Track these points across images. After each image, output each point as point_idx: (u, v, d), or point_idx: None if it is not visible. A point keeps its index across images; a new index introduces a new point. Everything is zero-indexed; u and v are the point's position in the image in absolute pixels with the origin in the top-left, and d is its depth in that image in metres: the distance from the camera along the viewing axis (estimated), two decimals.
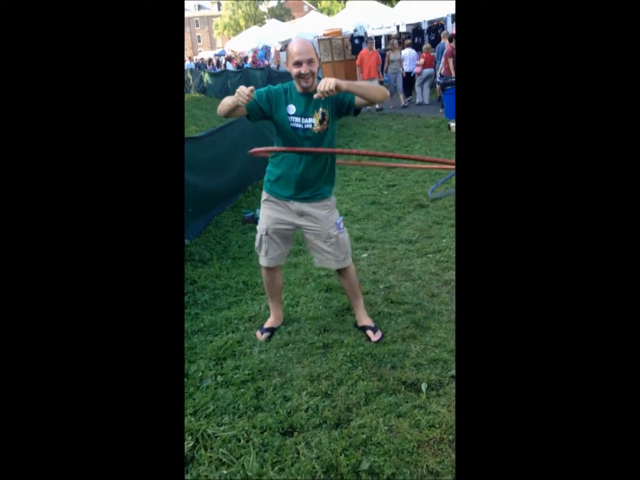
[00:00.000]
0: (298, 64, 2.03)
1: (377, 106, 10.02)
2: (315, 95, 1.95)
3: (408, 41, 11.67)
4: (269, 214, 2.35)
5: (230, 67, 17.91)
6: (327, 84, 1.85)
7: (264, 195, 2.37)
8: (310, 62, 2.03)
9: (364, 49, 10.65)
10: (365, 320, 2.50)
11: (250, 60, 16.92)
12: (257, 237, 2.42)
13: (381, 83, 11.73)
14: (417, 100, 10.76)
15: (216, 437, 1.81)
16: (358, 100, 2.08)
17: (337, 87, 1.86)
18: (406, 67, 10.44)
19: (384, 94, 2.07)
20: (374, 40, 12.40)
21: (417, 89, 10.64)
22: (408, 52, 10.51)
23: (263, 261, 2.45)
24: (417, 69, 10.29)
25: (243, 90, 1.92)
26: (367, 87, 2.06)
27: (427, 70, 10.22)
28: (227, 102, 2.06)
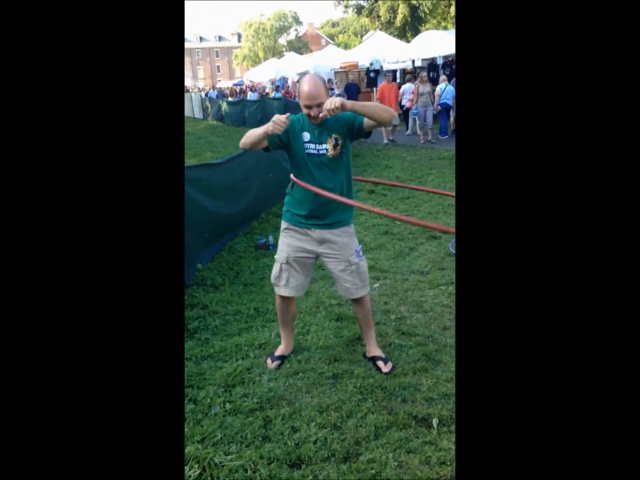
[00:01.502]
0: (308, 107, 2.12)
1: (385, 141, 10.14)
2: (321, 114, 2.04)
3: (409, 76, 11.98)
4: (289, 242, 2.34)
5: (254, 96, 18.13)
6: (332, 102, 1.93)
7: (284, 224, 2.38)
8: (319, 105, 2.09)
9: (384, 83, 10.53)
10: (375, 350, 2.47)
11: (283, 90, 16.67)
12: (276, 267, 2.39)
13: (399, 116, 11.86)
14: (410, 132, 11.08)
15: (223, 466, 1.78)
16: (366, 122, 2.13)
17: (342, 106, 1.93)
18: (404, 102, 10.87)
19: (390, 113, 2.09)
20: (392, 74, 12.39)
21: (411, 121, 10.99)
22: (408, 87, 10.84)
23: (283, 291, 2.40)
24: (408, 104, 10.74)
25: (280, 119, 1.96)
26: (371, 106, 2.09)
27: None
28: (255, 133, 2.07)
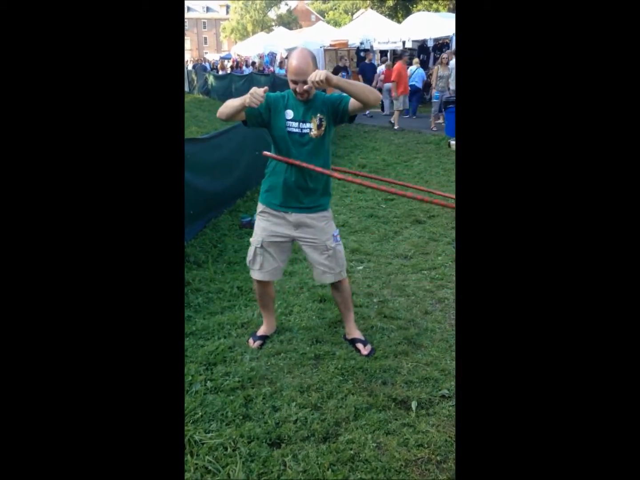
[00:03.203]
0: (294, 82, 2.07)
1: (367, 112, 10.02)
2: (305, 87, 2.01)
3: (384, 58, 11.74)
4: (265, 226, 2.30)
5: (248, 71, 17.51)
6: (317, 75, 1.89)
7: (260, 206, 2.32)
8: (306, 82, 2.01)
9: (400, 62, 9.77)
10: (355, 333, 2.49)
11: (277, 63, 15.68)
12: (251, 250, 2.36)
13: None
14: (386, 112, 11.09)
15: (203, 443, 1.79)
16: (352, 105, 2.08)
17: (327, 79, 1.89)
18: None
19: (376, 96, 2.04)
20: (409, 53, 11.31)
21: (385, 101, 10.97)
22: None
23: (257, 275, 2.37)
24: (379, 84, 10.81)
25: (257, 91, 1.91)
26: (358, 85, 2.03)
27: (387, 85, 10.48)
28: (233, 103, 2.03)
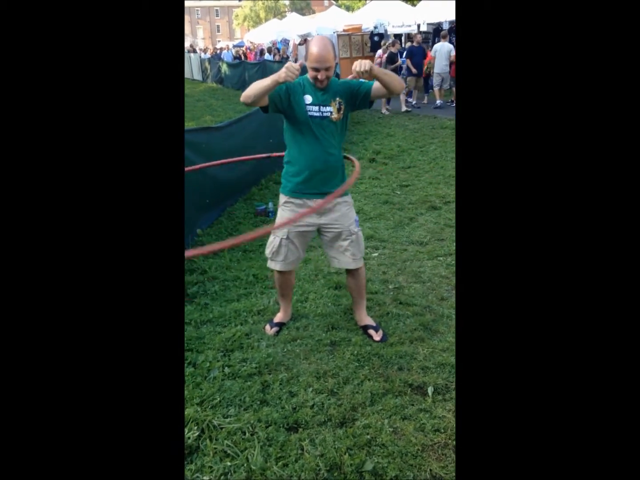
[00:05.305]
0: (316, 69, 2.06)
1: (414, 102, 10.44)
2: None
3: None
4: (289, 216, 2.28)
5: (268, 57, 17.41)
6: (363, 65, 1.92)
7: (283, 198, 2.32)
8: (328, 69, 2.06)
9: None
10: (366, 319, 2.50)
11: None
12: (275, 241, 2.33)
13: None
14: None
15: (221, 428, 1.82)
16: (375, 91, 2.12)
17: (370, 70, 1.93)
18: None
19: (402, 85, 2.12)
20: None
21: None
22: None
23: (279, 266, 2.36)
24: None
25: (293, 66, 1.91)
26: (391, 76, 2.09)
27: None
28: (262, 84, 2.00)
